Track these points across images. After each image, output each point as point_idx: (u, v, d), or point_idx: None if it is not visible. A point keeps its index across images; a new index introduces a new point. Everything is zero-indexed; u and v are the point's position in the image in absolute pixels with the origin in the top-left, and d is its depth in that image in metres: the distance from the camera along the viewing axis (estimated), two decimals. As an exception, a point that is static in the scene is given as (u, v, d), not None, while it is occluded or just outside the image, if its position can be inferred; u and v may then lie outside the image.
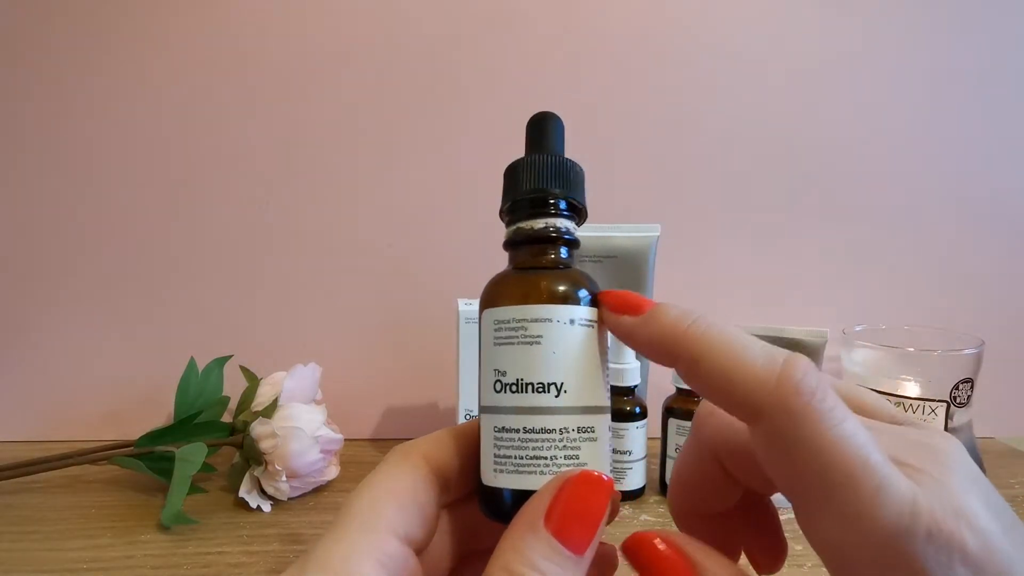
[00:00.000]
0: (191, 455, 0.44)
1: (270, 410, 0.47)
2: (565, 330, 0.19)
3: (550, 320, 0.19)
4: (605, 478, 0.17)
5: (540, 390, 0.18)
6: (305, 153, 0.59)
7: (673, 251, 0.56)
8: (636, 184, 0.61)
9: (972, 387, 0.53)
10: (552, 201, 0.20)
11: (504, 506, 0.18)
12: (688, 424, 0.48)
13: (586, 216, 0.21)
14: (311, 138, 0.59)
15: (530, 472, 0.18)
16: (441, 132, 0.60)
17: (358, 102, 0.59)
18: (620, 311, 0.19)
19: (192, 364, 0.52)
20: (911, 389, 0.53)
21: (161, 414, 0.59)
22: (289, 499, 0.47)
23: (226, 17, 0.57)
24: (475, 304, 0.48)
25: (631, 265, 0.51)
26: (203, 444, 0.45)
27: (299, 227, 0.60)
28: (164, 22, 0.57)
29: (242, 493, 0.46)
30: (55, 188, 0.57)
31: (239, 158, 0.59)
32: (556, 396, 0.18)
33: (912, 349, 0.54)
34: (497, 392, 0.19)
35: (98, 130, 0.57)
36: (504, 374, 0.19)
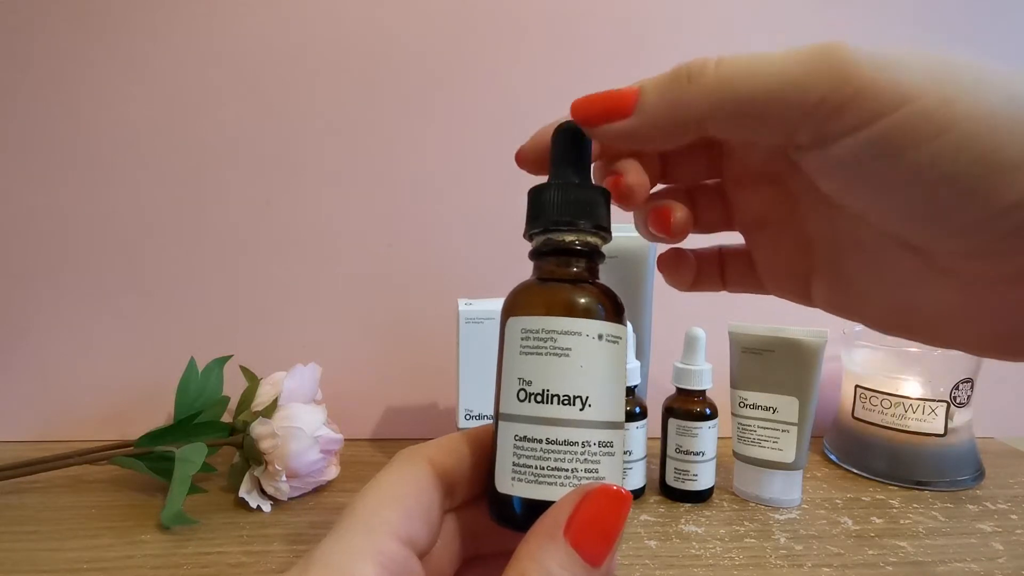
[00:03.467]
0: (191, 455, 0.44)
1: (270, 410, 0.47)
2: (593, 345, 0.19)
3: (580, 334, 0.19)
4: (624, 492, 0.17)
5: (566, 402, 0.18)
6: (305, 152, 0.59)
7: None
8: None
9: (972, 387, 0.53)
10: (583, 208, 0.20)
11: (519, 515, 0.18)
12: (688, 424, 0.48)
13: (610, 238, 0.21)
14: (311, 138, 0.59)
15: (550, 483, 0.18)
16: (441, 131, 0.60)
17: (358, 101, 0.59)
18: (602, 121, 0.18)
19: (192, 364, 0.52)
20: (911, 389, 0.53)
21: (161, 414, 0.59)
22: (289, 499, 0.47)
23: (226, 16, 0.57)
24: (475, 304, 0.48)
25: (631, 265, 0.51)
26: (203, 444, 0.45)
27: (299, 227, 0.60)
28: (164, 19, 0.56)
29: (242, 493, 0.46)
30: (55, 188, 0.57)
31: (239, 158, 0.59)
32: (581, 410, 0.18)
33: (912, 349, 0.54)
34: (520, 401, 0.19)
35: (98, 130, 0.57)
36: (529, 383, 0.19)
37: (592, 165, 0.21)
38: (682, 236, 0.22)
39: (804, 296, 0.22)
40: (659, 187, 0.24)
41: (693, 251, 0.24)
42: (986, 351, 0.18)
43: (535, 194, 0.21)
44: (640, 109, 0.18)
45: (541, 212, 0.20)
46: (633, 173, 0.21)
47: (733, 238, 0.24)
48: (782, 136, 0.16)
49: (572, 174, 0.20)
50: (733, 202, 0.23)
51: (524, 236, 0.21)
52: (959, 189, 0.14)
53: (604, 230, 0.20)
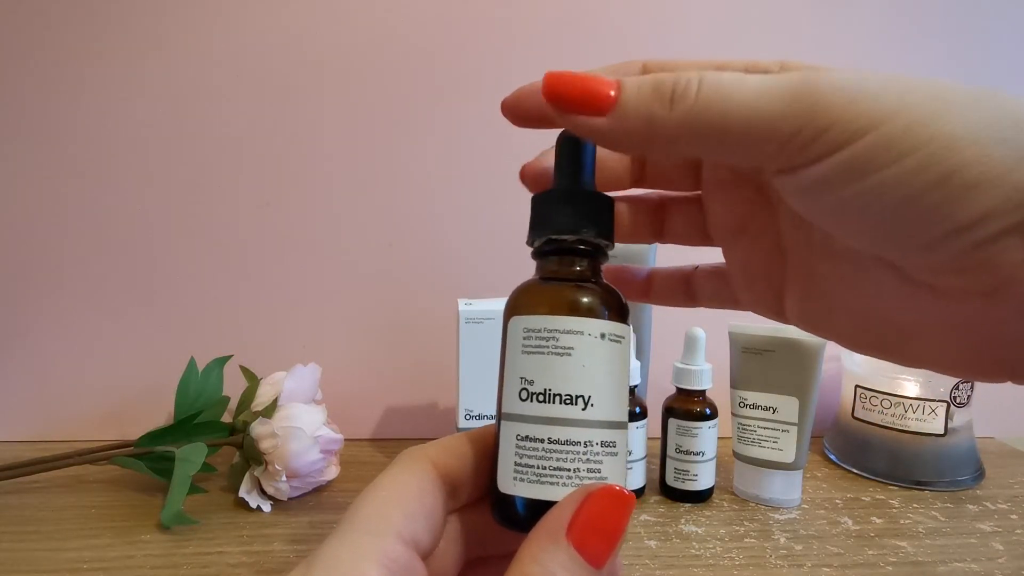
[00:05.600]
0: (191, 455, 0.44)
1: (270, 410, 0.47)
2: (595, 344, 0.19)
3: (582, 333, 0.19)
4: (627, 493, 0.17)
5: (568, 402, 0.18)
6: (305, 152, 0.59)
7: (673, 251, 0.56)
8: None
9: (972, 387, 0.53)
10: (587, 217, 0.20)
11: (521, 515, 0.18)
12: (688, 424, 0.48)
13: (613, 246, 0.21)
14: (311, 137, 0.59)
15: (552, 483, 0.18)
16: (442, 131, 0.60)
17: (358, 101, 0.59)
18: (576, 110, 0.18)
19: (192, 364, 0.52)
20: (911, 389, 0.53)
21: (161, 414, 0.59)
22: (289, 499, 0.47)
23: (227, 17, 0.57)
24: (475, 304, 0.48)
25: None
26: (203, 444, 0.45)
27: (299, 227, 0.60)
28: (165, 21, 0.57)
29: (242, 493, 0.46)
30: (55, 188, 0.57)
31: (239, 158, 0.59)
32: (583, 409, 0.18)
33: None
34: (522, 400, 0.19)
35: (98, 130, 0.57)
36: (531, 383, 0.19)
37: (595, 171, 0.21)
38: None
39: (778, 311, 0.22)
40: (634, 192, 0.24)
41: (669, 269, 0.25)
42: (959, 370, 0.18)
43: (538, 202, 0.21)
44: (617, 113, 0.17)
45: (544, 220, 0.20)
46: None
47: (714, 256, 0.24)
48: (755, 163, 0.17)
49: (576, 181, 0.20)
50: (711, 208, 0.23)
51: (527, 243, 0.21)
52: (919, 208, 0.15)
53: (607, 238, 0.20)
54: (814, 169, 0.16)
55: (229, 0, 0.57)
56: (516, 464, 0.19)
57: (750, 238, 0.22)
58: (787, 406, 0.47)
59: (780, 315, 0.22)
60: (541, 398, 0.19)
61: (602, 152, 0.21)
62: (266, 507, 0.46)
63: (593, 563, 0.16)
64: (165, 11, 0.56)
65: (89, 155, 0.57)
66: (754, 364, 0.48)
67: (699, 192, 0.24)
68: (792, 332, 0.47)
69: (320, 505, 0.47)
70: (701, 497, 0.49)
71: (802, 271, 0.21)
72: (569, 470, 0.18)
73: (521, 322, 0.19)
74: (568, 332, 0.19)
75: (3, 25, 0.55)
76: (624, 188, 0.23)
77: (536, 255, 0.21)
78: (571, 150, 0.21)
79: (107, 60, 0.56)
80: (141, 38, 0.56)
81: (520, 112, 0.20)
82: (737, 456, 0.50)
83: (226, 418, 0.52)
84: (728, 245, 0.23)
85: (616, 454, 0.19)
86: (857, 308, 0.19)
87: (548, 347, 0.19)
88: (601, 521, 0.16)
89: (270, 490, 0.46)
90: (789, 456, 0.47)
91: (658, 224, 0.24)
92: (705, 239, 0.24)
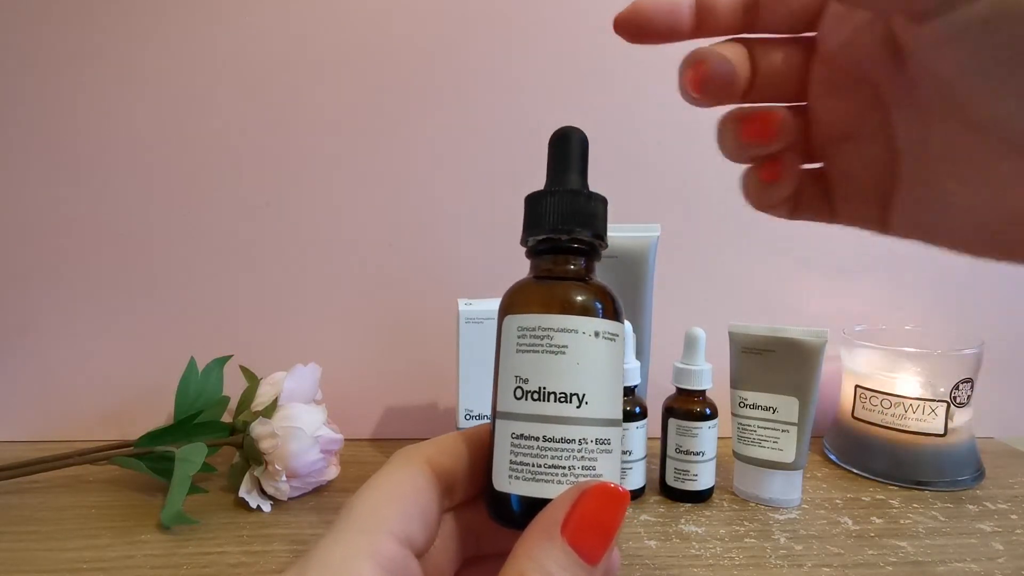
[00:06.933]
0: (191, 455, 0.44)
1: (270, 410, 0.47)
2: (590, 342, 0.19)
3: (576, 331, 0.19)
4: (621, 490, 0.17)
5: (562, 400, 0.18)
6: (305, 153, 0.59)
7: (673, 251, 0.56)
8: (637, 184, 0.61)
9: (972, 387, 0.53)
10: (581, 216, 0.20)
11: (517, 513, 0.18)
12: (688, 424, 0.48)
13: (607, 246, 0.21)
14: (311, 138, 0.59)
15: (547, 481, 0.18)
16: (441, 132, 0.60)
17: (358, 101, 0.59)
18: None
19: (192, 364, 0.52)
20: (911, 389, 0.53)
21: (161, 414, 0.59)
22: (289, 499, 0.47)
23: (227, 18, 0.57)
24: (475, 304, 0.48)
25: (631, 265, 0.51)
26: (203, 444, 0.45)
27: (299, 227, 0.60)
28: (165, 21, 0.57)
29: (242, 493, 0.46)
30: (55, 188, 0.57)
31: (239, 158, 0.59)
32: (577, 407, 0.18)
33: (912, 349, 0.54)
34: (517, 399, 0.19)
35: (98, 131, 0.57)
36: (526, 381, 0.19)
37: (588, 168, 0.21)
38: (785, 141, 0.21)
39: (880, 221, 0.21)
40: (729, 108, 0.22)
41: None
42: None
43: (532, 202, 0.21)
44: None
45: (538, 219, 0.20)
46: (714, 59, 0.19)
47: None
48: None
49: (570, 181, 0.20)
50: (817, 114, 0.21)
51: (521, 242, 0.21)
52: None
53: (601, 237, 0.20)
54: (974, 7, 0.14)
55: (229, 0, 0.57)
56: (511, 462, 0.19)
57: (858, 144, 0.20)
58: (787, 406, 0.47)
59: (883, 225, 0.21)
60: (536, 396, 0.19)
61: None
62: (266, 507, 0.46)
63: (588, 559, 0.16)
64: (165, 11, 0.56)
65: (89, 155, 0.57)
66: (754, 364, 0.48)
67: (805, 103, 0.21)
68: (792, 332, 0.47)
69: (320, 505, 0.47)
70: (701, 497, 0.49)
71: (918, 173, 0.19)
72: (564, 468, 0.18)
73: (515, 321, 0.19)
74: (562, 330, 0.19)
75: (3, 25, 0.55)
76: (736, 32, 0.21)
77: (530, 254, 0.21)
78: (564, 149, 0.21)
79: (107, 60, 0.56)
80: (141, 38, 0.57)
81: (638, 25, 0.19)
82: (737, 456, 0.50)
83: (226, 418, 0.52)
84: (832, 155, 0.21)
85: (611, 451, 0.19)
86: (980, 207, 0.18)
87: (542, 345, 0.19)
88: (595, 518, 0.16)
89: (270, 490, 0.46)
90: (789, 456, 0.47)
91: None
92: (807, 149, 0.22)
